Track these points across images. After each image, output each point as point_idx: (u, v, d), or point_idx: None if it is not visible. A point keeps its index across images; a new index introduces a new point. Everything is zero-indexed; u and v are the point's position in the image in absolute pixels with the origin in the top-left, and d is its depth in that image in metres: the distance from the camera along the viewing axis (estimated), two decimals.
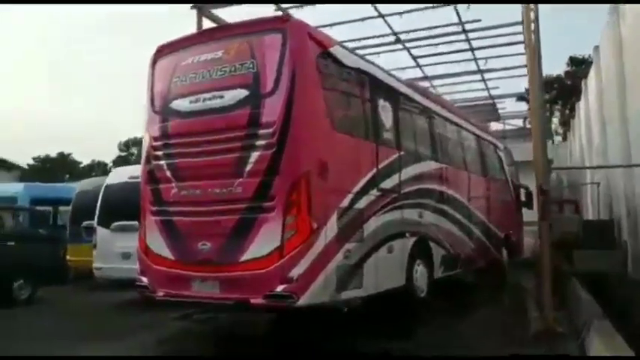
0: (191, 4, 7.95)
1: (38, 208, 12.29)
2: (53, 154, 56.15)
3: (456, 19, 9.25)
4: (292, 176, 5.30)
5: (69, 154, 57.87)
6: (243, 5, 8.08)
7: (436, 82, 13.45)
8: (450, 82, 13.55)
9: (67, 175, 46.30)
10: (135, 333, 6.89)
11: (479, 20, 9.38)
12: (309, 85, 5.57)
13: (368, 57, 10.69)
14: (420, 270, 7.42)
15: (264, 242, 5.31)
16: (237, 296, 5.42)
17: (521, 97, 18.46)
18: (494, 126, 17.51)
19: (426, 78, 12.70)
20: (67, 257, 10.85)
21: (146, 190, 6.31)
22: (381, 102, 6.92)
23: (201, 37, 6.15)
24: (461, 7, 8.77)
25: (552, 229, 12.38)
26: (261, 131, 5.47)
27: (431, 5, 8.64)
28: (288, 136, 5.33)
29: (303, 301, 5.17)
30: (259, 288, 5.23)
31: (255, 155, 5.46)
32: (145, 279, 6.15)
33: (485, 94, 14.16)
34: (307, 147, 5.44)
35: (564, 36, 64.04)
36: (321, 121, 5.68)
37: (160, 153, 6.18)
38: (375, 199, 6.45)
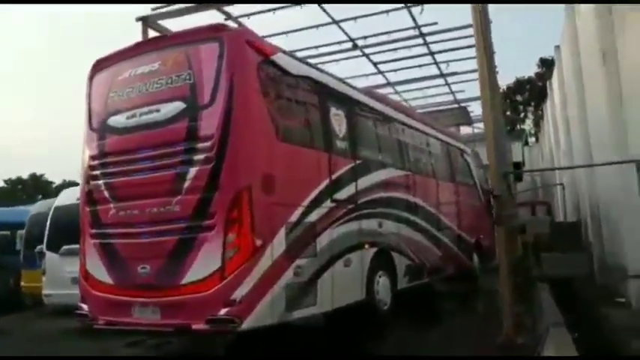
0: (136, 17, 7.69)
1: None
2: (25, 175, 55.09)
3: (412, 24, 9.08)
4: (232, 191, 5.02)
5: (41, 175, 56.71)
6: (192, 16, 7.80)
7: (400, 88, 13.29)
8: (415, 88, 13.41)
9: (40, 196, 45.34)
10: None
11: (435, 23, 9.25)
12: (248, 94, 5.30)
13: (327, 65, 10.75)
14: (381, 282, 7.19)
15: (204, 263, 5.00)
16: (179, 322, 5.09)
17: None
18: (465, 130, 17.40)
19: (388, 84, 12.54)
20: (22, 283, 10.39)
21: (85, 212, 5.99)
22: (333, 110, 6.68)
23: (138, 49, 5.85)
24: (415, 11, 8.62)
25: (526, 231, 12.53)
26: (199, 145, 5.19)
27: (384, 10, 8.47)
28: (227, 149, 5.06)
29: (247, 324, 4.86)
30: (201, 312, 4.92)
31: (193, 171, 5.17)
32: (85, 306, 5.81)
33: (451, 97, 14.03)
34: (247, 160, 5.17)
35: (538, 37, 65.13)
36: (264, 132, 5.42)
37: (97, 172, 5.87)
38: (329, 211, 6.20)
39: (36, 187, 54.26)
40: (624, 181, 5.60)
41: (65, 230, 8.46)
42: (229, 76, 5.17)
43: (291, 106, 5.96)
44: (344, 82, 7.33)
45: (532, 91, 35.80)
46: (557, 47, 11.26)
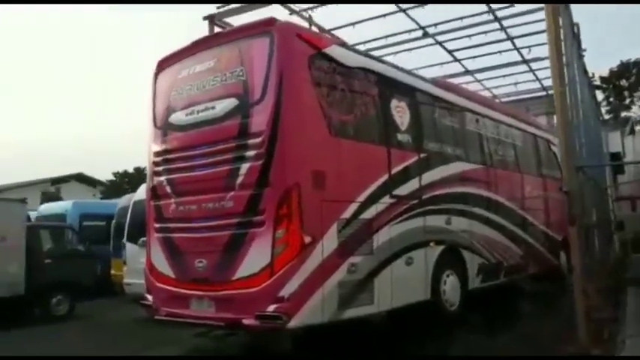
0: (202, 16, 7.88)
1: (87, 224, 12.69)
2: (130, 169, 59.14)
3: (484, 7, 8.52)
4: (281, 188, 4.98)
5: (144, 168, 60.49)
6: (257, 12, 7.85)
7: (481, 77, 12.59)
8: (496, 76, 12.64)
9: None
10: (153, 348, 6.87)
11: (512, 5, 8.60)
12: (299, 89, 5.23)
13: (399, 55, 10.43)
14: (449, 281, 6.88)
15: (254, 259, 5.02)
16: (231, 316, 5.15)
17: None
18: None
19: (467, 72, 11.92)
20: (112, 272, 11.07)
21: (150, 207, 6.25)
22: (395, 102, 6.45)
23: (196, 48, 5.96)
24: None
25: (624, 228, 11.47)
26: (251, 141, 5.20)
27: None
28: (276, 145, 5.03)
29: (295, 321, 4.83)
30: (251, 308, 4.94)
31: (245, 167, 5.20)
32: (150, 297, 6.07)
33: (537, 85, 13.11)
34: (297, 156, 5.10)
35: None
36: (315, 127, 5.33)
37: (160, 169, 6.09)
38: (388, 207, 6.01)
39: (140, 179, 58.00)
40: None
41: (143, 222, 8.89)
42: (279, 71, 5.12)
43: (347, 99, 5.79)
44: (407, 72, 7.05)
45: (639, 75, 32.70)
46: None
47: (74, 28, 64.54)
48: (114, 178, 56.89)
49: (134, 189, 12.44)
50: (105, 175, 38.84)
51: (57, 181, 31.25)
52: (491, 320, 7.38)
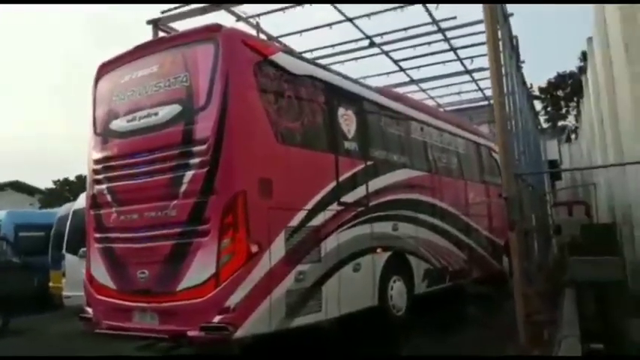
0: (146, 20, 7.69)
1: (24, 234, 12.10)
2: (72, 176, 56.96)
3: (429, 19, 8.74)
4: (227, 196, 4.89)
5: (86, 176, 58.41)
6: (203, 17, 7.73)
7: (426, 86, 12.91)
8: (440, 85, 13.01)
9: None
10: None
11: (454, 18, 8.88)
12: (245, 96, 5.18)
13: (346, 63, 10.55)
14: (396, 287, 6.96)
15: (199, 269, 4.91)
16: (175, 328, 5.01)
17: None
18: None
19: (412, 82, 12.19)
20: (50, 284, 10.59)
21: (90, 216, 6.03)
22: (341, 110, 6.49)
23: (138, 53, 5.80)
24: (432, 6, 8.29)
25: (561, 232, 11.96)
26: (195, 148, 5.10)
27: (398, 5, 8.18)
28: (222, 153, 4.94)
29: (241, 332, 4.74)
30: (196, 319, 4.81)
31: (189, 175, 5.08)
32: (90, 310, 5.83)
33: (480, 94, 13.56)
34: (243, 163, 5.03)
35: (584, 29, 62.46)
36: (262, 134, 5.28)
37: (100, 177, 5.89)
38: (336, 215, 6.02)
39: (82, 187, 55.86)
40: None
41: (84, 232, 8.55)
42: (224, 77, 5.04)
43: (294, 107, 5.78)
44: (353, 81, 7.12)
45: (574, 86, 34.44)
46: (590, 39, 10.67)
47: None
48: (54, 186, 54.58)
49: (76, 197, 11.93)
50: (45, 183, 37.25)
51: None
52: (437, 324, 7.51)
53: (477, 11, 8.23)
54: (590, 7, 8.43)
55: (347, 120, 6.55)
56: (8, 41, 63.57)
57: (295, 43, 9.28)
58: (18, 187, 32.40)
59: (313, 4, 7.87)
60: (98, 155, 5.93)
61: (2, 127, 58.55)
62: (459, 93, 13.63)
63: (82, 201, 9.51)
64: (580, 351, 4.33)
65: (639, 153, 5.38)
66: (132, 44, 5.94)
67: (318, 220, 5.71)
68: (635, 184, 6.48)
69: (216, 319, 4.72)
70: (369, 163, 6.74)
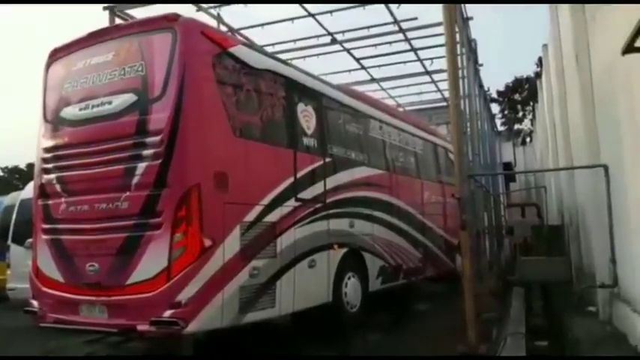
0: (103, 5, 7.45)
1: None
2: (22, 164, 54.93)
3: (390, 18, 8.82)
4: (180, 189, 4.81)
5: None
6: (162, 5, 7.54)
7: (386, 85, 13.03)
8: (401, 85, 13.16)
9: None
10: None
11: (415, 18, 9.00)
12: (201, 87, 5.10)
13: (308, 59, 10.52)
14: (351, 284, 7.01)
15: (150, 263, 4.81)
16: (124, 322, 4.91)
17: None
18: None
19: (373, 80, 12.28)
20: None
21: (37, 206, 5.82)
22: (301, 105, 6.48)
23: (93, 39, 5.62)
24: (393, 5, 8.36)
25: (514, 233, 12.31)
26: (149, 139, 4.98)
27: (360, 4, 8.23)
28: (176, 145, 4.85)
29: (192, 327, 4.68)
30: (146, 313, 4.72)
31: (142, 166, 4.96)
32: (35, 303, 5.64)
33: (439, 96, 13.78)
34: (198, 156, 4.96)
35: (543, 35, 64.29)
36: (218, 127, 5.21)
37: (50, 165, 5.69)
38: (293, 211, 6.01)
39: (32, 176, 53.95)
40: (596, 187, 5.39)
41: (31, 223, 8.26)
42: (181, 68, 4.95)
43: (252, 101, 5.73)
44: (314, 77, 7.10)
45: (530, 90, 35.51)
46: (545, 46, 11.00)
47: None
48: (3, 174, 52.58)
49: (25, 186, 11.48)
50: None
51: None
52: (390, 320, 7.61)
53: (438, 14, 8.40)
54: (547, 13, 8.65)
55: (306, 116, 6.55)
56: None
57: (257, 36, 9.22)
58: None
59: None
60: (48, 143, 5.72)
61: None
62: (418, 93, 13.83)
63: (29, 190, 9.19)
64: (524, 347, 4.46)
65: (587, 159, 5.57)
66: (87, 30, 5.76)
67: (274, 216, 5.68)
68: (582, 188, 6.72)
69: (167, 313, 4.64)
70: (327, 159, 6.76)
